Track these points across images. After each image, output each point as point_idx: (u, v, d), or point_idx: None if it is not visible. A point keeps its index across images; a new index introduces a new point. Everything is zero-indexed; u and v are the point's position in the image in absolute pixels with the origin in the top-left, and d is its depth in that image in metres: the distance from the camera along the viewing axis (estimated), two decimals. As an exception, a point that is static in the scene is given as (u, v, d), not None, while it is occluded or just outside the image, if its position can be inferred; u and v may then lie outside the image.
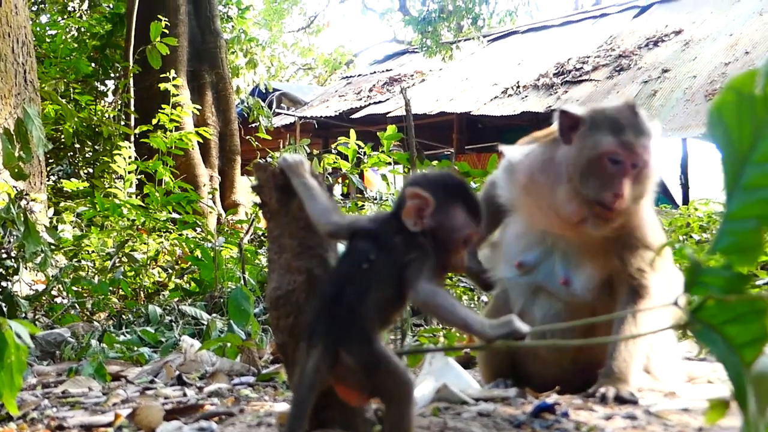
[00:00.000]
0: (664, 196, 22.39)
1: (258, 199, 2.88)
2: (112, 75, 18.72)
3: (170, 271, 8.95)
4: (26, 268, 7.65)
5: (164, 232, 9.68)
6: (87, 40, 18.74)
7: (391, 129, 8.59)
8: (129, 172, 11.32)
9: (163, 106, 12.58)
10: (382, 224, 2.53)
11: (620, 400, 3.35)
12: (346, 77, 33.70)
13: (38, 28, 17.75)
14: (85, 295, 7.65)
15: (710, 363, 4.46)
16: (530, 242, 3.81)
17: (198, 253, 8.32)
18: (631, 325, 3.57)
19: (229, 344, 5.07)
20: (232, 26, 21.60)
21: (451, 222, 2.49)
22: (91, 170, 15.57)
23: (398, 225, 2.49)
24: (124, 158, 11.36)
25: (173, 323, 6.66)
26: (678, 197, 23.71)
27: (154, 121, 12.49)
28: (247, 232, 7.69)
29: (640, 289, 3.61)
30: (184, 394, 4.12)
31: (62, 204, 11.99)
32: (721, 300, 1.83)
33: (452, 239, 2.50)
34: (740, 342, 1.81)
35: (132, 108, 15.14)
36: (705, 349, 5.09)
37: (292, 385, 2.83)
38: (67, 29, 19.67)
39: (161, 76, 13.40)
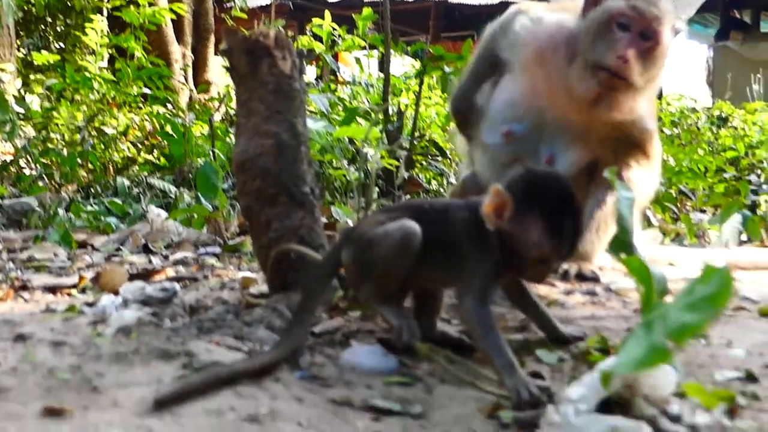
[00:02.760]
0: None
1: (227, 64, 2.85)
2: (85, -55, 18.30)
3: (140, 146, 8.90)
4: (-6, 138, 7.60)
5: (135, 107, 9.59)
6: None
7: (366, 11, 8.47)
8: (101, 46, 11.12)
9: (137, -20, 12.33)
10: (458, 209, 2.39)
11: (581, 277, 3.41)
12: (324, -41, 33.06)
13: None
14: (54, 167, 7.60)
15: (672, 248, 4.55)
16: (522, 112, 3.70)
17: (168, 128, 8.26)
18: (605, 212, 3.60)
19: (196, 215, 5.09)
20: None
21: (523, 235, 2.22)
22: (62, 44, 15.33)
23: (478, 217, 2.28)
24: (96, 32, 11.15)
25: (141, 195, 6.65)
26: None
27: (127, -4, 12.25)
28: (217, 109, 7.62)
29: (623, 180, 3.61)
30: (150, 261, 4.15)
31: (32, 77, 11.84)
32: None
33: (523, 253, 2.25)
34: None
35: (105, -19, 14.86)
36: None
37: (256, 250, 2.85)
38: None
39: (135, -51, 13.10)
